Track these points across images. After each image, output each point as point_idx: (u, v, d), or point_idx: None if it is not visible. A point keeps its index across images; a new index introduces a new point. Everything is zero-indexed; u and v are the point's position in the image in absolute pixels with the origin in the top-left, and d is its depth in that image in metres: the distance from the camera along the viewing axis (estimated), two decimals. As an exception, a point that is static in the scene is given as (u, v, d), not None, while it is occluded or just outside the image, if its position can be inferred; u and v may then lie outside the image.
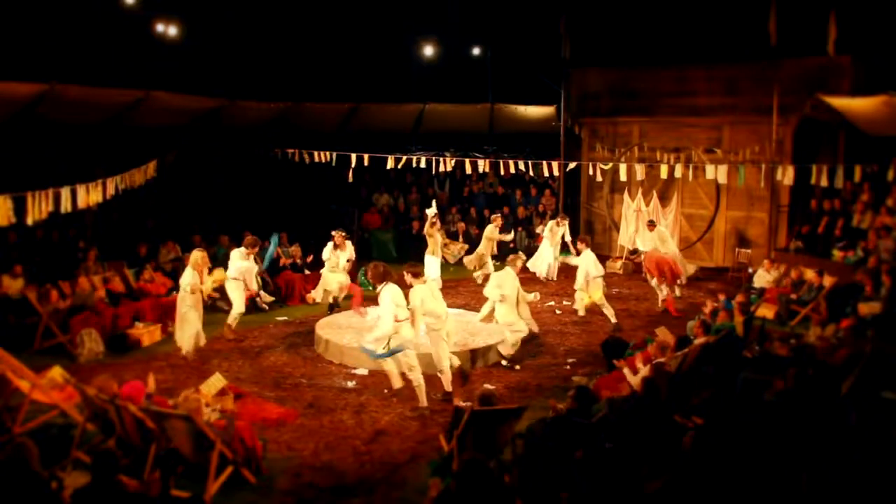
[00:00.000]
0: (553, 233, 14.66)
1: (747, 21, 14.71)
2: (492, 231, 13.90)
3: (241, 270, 10.80)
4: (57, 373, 7.85)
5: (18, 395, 7.39)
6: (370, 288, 9.43)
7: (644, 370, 7.64)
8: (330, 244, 11.81)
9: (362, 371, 9.37)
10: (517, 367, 9.68)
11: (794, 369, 6.57)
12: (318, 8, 17.64)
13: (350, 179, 15.58)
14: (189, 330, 9.66)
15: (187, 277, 9.55)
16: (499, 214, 14.49)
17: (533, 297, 10.42)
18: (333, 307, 12.00)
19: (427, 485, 5.66)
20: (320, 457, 7.07)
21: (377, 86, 18.68)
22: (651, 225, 13.94)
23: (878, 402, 6.50)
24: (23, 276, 10.81)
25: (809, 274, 12.19)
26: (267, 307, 12.46)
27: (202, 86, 15.86)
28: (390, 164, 15.18)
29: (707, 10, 15.90)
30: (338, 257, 11.75)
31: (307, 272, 13.61)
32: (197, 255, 9.79)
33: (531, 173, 16.83)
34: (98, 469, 4.76)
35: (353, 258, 12.14)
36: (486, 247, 13.92)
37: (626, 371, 7.88)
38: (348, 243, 11.99)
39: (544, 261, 14.69)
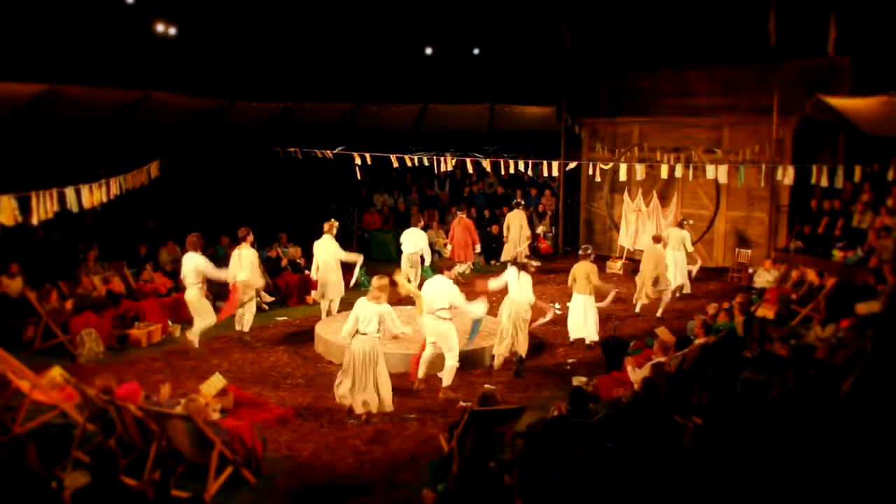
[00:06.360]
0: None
1: (747, 21, 14.71)
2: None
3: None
4: (57, 373, 7.85)
5: (18, 395, 7.40)
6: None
7: (644, 370, 7.64)
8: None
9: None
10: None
11: (794, 369, 6.56)
12: (318, 8, 17.64)
13: (359, 177, 15.53)
14: None
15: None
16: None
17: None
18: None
19: (425, 485, 5.67)
20: (320, 457, 7.07)
21: (377, 86, 18.68)
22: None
23: (878, 402, 6.48)
24: (21, 275, 10.80)
25: (811, 275, 12.18)
26: (267, 307, 12.45)
27: (202, 86, 15.88)
28: (395, 163, 15.15)
29: (707, 11, 15.90)
30: None
31: (307, 272, 13.59)
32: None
33: (531, 173, 16.82)
34: (98, 469, 4.76)
35: None
36: None
37: (629, 368, 7.87)
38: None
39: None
